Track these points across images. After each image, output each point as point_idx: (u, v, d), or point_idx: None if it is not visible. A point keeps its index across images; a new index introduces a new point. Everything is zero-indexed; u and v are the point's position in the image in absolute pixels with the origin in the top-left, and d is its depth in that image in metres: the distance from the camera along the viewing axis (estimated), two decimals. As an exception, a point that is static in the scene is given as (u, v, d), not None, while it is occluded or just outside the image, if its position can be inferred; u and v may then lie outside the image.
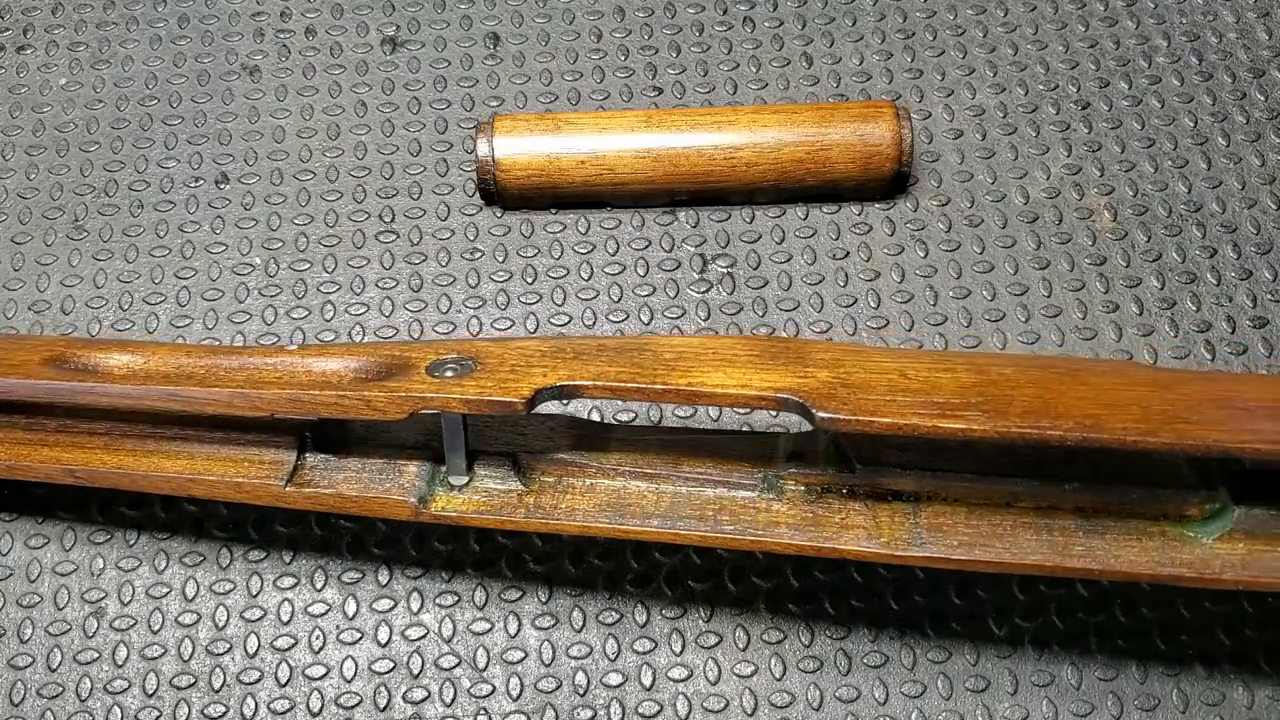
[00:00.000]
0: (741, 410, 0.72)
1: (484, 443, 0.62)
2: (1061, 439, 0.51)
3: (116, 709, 0.65)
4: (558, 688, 0.65)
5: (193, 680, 0.66)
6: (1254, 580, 0.56)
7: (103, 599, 0.68)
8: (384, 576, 0.68)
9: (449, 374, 0.57)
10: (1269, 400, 0.54)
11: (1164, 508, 0.58)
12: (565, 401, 0.70)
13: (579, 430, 0.64)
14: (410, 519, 0.61)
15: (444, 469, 0.61)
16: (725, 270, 0.78)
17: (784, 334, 0.76)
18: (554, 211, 0.81)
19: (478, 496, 0.61)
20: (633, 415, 0.73)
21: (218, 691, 0.65)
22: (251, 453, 0.63)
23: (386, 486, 0.61)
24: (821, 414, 0.52)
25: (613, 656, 0.66)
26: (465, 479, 0.61)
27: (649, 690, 0.65)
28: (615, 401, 0.72)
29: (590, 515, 0.60)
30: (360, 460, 0.62)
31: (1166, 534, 0.58)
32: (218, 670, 0.66)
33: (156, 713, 0.65)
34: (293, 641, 0.67)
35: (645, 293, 0.78)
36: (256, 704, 0.65)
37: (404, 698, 0.65)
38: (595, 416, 0.72)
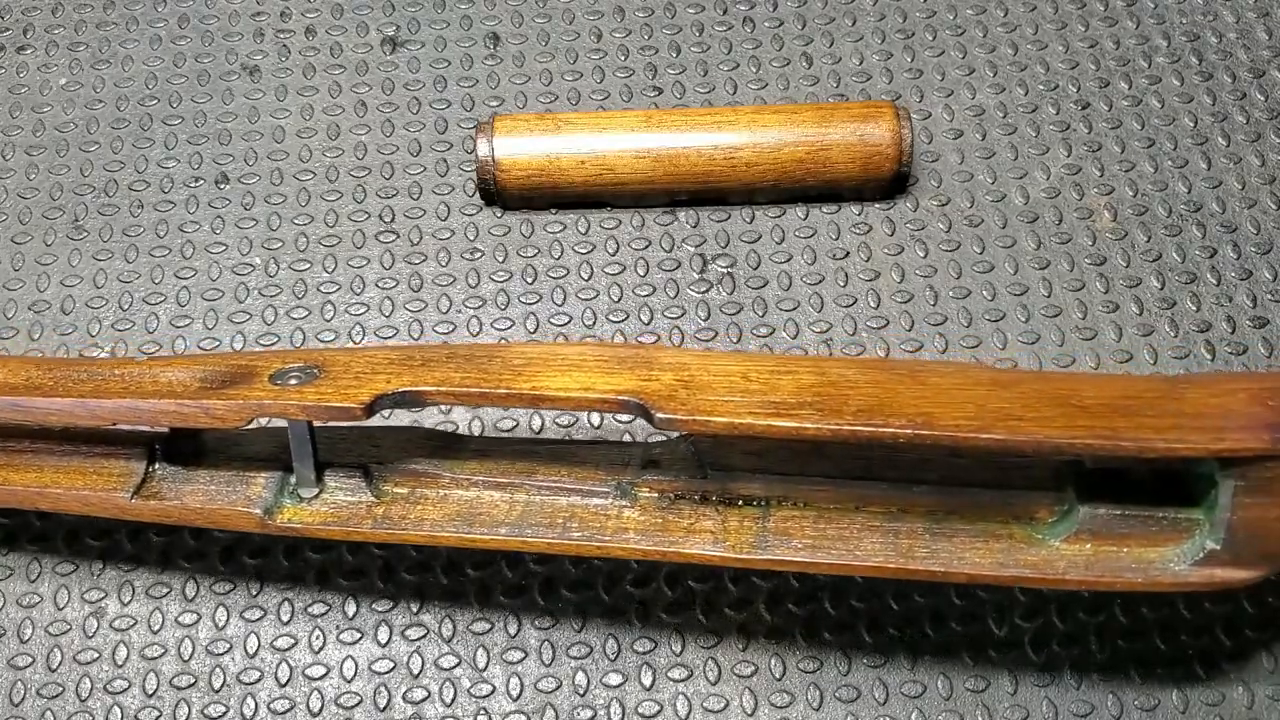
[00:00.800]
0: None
1: (336, 454, 0.62)
2: (894, 436, 0.52)
3: (116, 709, 0.65)
4: (558, 688, 0.65)
5: (193, 680, 0.66)
6: (1097, 580, 0.56)
7: (103, 599, 0.68)
8: (384, 576, 0.68)
9: (292, 382, 0.57)
10: (1106, 398, 0.54)
11: (1015, 510, 0.59)
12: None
13: (435, 441, 0.64)
14: (256, 530, 0.61)
15: (294, 480, 0.61)
16: (725, 270, 0.78)
17: (785, 334, 0.76)
18: (554, 211, 0.81)
19: (325, 508, 0.61)
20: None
21: (218, 691, 0.65)
22: (100, 465, 0.62)
23: (233, 499, 0.61)
24: (660, 415, 0.53)
25: (613, 656, 0.66)
26: (315, 490, 0.61)
27: (649, 690, 0.65)
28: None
29: (438, 525, 0.60)
30: (210, 472, 0.62)
31: (1015, 536, 0.58)
32: (218, 670, 0.66)
33: (156, 713, 0.65)
34: (293, 641, 0.67)
35: (645, 293, 0.78)
36: (256, 704, 0.65)
37: (404, 698, 0.65)
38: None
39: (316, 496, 0.61)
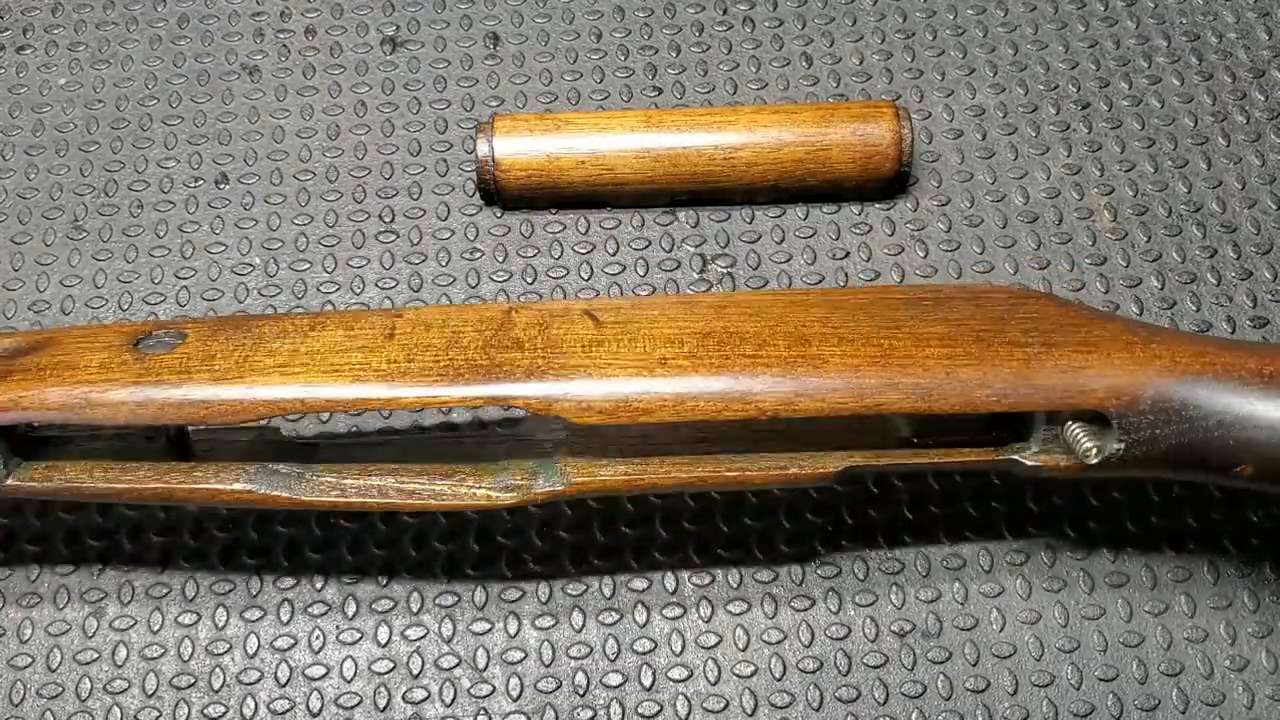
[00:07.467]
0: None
1: None
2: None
3: (116, 709, 0.65)
4: (558, 688, 0.65)
5: (193, 680, 0.66)
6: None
7: (102, 599, 0.68)
8: (383, 576, 0.68)
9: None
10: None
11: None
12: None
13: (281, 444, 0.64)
14: None
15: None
16: (725, 270, 0.78)
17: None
18: (554, 211, 0.81)
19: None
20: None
21: (217, 691, 0.65)
22: None
23: None
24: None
25: (613, 656, 0.66)
26: None
27: (649, 690, 0.65)
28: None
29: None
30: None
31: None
32: (217, 670, 0.66)
33: (156, 713, 0.65)
34: (293, 641, 0.67)
35: (645, 293, 0.78)
36: (256, 704, 0.65)
37: (404, 698, 0.65)
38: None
39: None
